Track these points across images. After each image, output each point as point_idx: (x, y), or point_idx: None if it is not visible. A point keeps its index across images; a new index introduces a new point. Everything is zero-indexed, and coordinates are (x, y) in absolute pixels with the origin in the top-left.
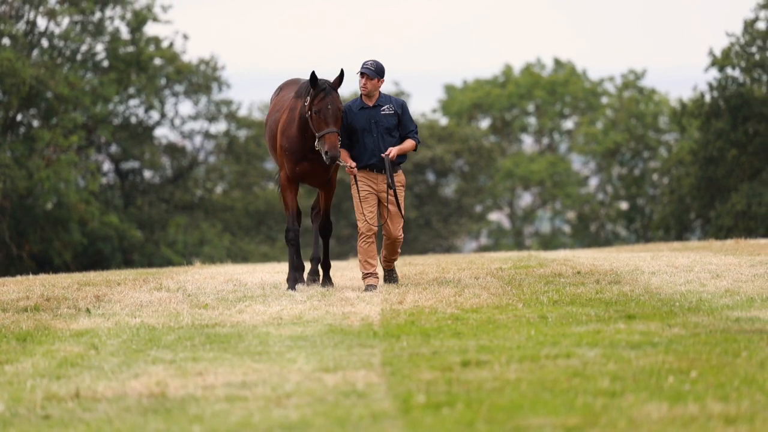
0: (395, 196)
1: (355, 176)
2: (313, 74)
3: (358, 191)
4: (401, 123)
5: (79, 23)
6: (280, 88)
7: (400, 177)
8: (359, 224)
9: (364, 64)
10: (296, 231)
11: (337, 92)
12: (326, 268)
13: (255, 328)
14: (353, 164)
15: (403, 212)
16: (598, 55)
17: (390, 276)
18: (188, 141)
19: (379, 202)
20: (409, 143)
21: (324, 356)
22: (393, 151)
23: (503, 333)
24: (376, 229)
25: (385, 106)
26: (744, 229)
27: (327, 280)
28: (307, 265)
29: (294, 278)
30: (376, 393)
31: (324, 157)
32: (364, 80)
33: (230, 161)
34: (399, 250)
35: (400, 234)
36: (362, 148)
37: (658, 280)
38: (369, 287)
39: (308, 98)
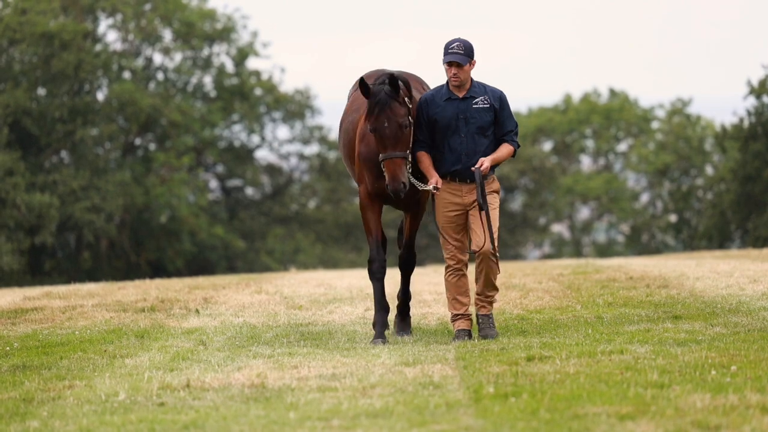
0: (487, 215)
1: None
2: (362, 81)
3: (435, 211)
4: (498, 120)
5: (190, 59)
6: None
7: (493, 184)
8: (444, 253)
9: (448, 48)
10: (382, 261)
11: (397, 99)
12: (404, 311)
13: (343, 327)
14: (436, 180)
15: (495, 229)
16: (649, 85)
17: (486, 324)
18: (285, 162)
19: (467, 217)
20: (505, 150)
21: (404, 352)
22: (486, 163)
23: (563, 331)
24: (466, 258)
25: (479, 98)
26: None
27: (403, 326)
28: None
29: (382, 323)
30: (451, 384)
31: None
32: (453, 70)
33: (322, 179)
34: (496, 280)
35: (493, 248)
36: (446, 151)
37: (702, 285)
38: (460, 333)
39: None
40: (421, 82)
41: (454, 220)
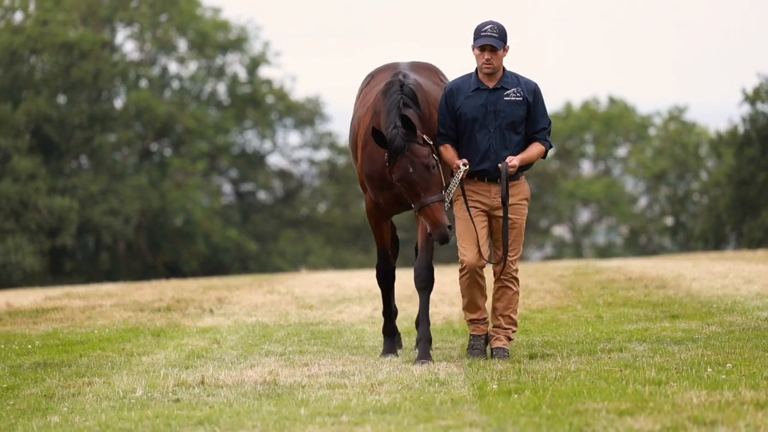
0: (504, 216)
1: (463, 188)
2: (375, 132)
3: (462, 209)
4: (530, 116)
5: (204, 68)
6: (371, 76)
7: (521, 187)
8: (461, 255)
9: (481, 31)
10: (390, 270)
11: (416, 141)
12: (425, 338)
13: (352, 326)
14: (461, 162)
15: (519, 245)
16: (647, 93)
17: (500, 355)
18: (296, 167)
19: (491, 222)
20: (536, 149)
21: (411, 350)
22: (515, 161)
23: (564, 330)
24: (484, 263)
25: (511, 90)
26: None
27: (423, 353)
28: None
29: (391, 332)
30: (456, 381)
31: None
32: (486, 55)
33: (331, 184)
34: (517, 302)
35: (515, 266)
36: (471, 147)
37: (699, 285)
38: (475, 342)
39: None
40: (437, 72)
41: (477, 220)
